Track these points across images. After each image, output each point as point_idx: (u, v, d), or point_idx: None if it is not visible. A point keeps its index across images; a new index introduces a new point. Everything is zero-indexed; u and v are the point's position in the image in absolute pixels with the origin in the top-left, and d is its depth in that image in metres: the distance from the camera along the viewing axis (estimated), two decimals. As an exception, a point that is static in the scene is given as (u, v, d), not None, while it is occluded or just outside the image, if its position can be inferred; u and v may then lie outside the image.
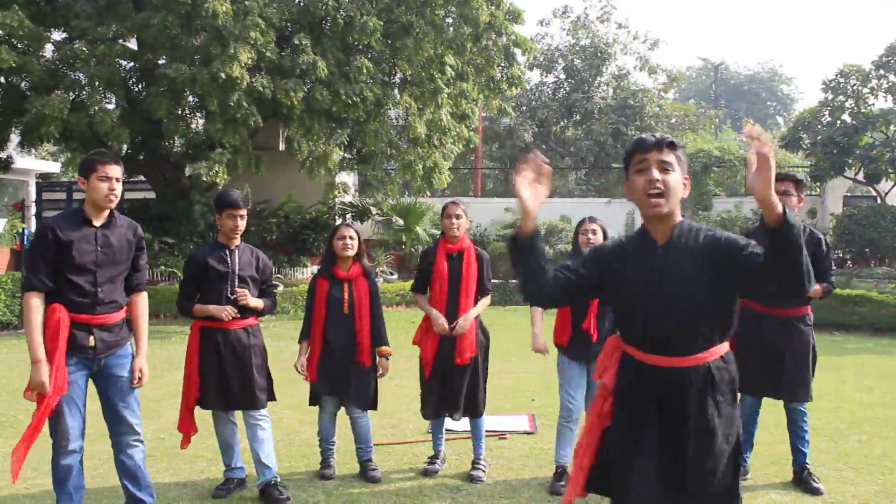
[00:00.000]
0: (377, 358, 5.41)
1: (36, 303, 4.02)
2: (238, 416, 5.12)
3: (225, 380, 4.90)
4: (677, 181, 2.73)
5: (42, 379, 3.98)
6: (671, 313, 2.72)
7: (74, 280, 4.06)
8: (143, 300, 4.42)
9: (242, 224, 5.05)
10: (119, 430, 4.28)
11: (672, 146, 2.74)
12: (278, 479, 4.94)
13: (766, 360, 5.15)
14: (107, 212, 4.21)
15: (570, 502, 2.95)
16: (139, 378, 4.28)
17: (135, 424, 4.29)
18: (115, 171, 4.15)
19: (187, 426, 5.02)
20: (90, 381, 4.25)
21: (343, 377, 5.27)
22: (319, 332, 5.32)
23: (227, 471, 5.10)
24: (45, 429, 4.16)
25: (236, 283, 4.98)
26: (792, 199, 5.21)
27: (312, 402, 5.49)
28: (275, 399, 5.16)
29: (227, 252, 5.03)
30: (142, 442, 4.37)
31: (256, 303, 5.01)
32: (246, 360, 4.95)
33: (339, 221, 19.52)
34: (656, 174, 2.70)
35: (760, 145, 2.41)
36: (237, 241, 5.10)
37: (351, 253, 5.36)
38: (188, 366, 4.97)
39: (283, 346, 10.73)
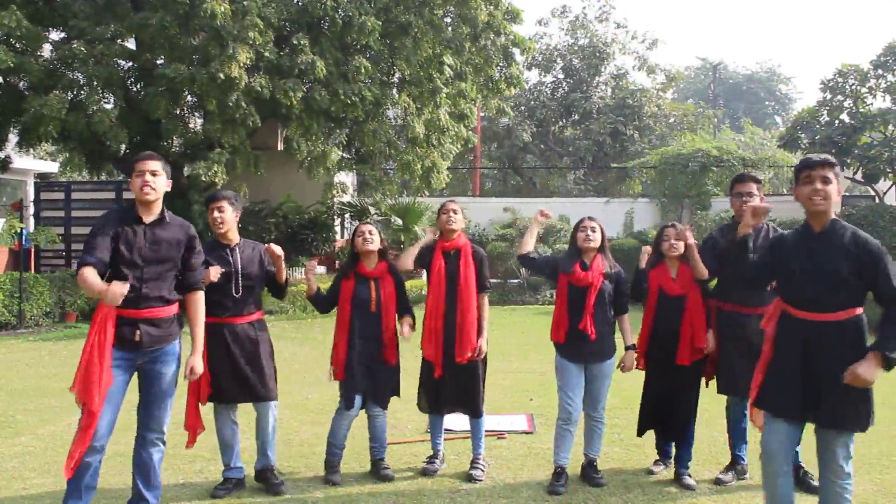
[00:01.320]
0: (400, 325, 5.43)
1: (89, 271, 4.05)
2: (239, 415, 5.14)
3: (238, 373, 4.97)
4: (832, 190, 3.85)
5: (113, 290, 3.95)
6: (818, 282, 3.85)
7: (123, 274, 4.14)
8: (198, 299, 4.51)
9: (222, 216, 5.03)
10: (148, 425, 4.34)
11: (831, 165, 3.86)
12: (275, 466, 5.11)
13: (750, 360, 5.16)
14: (156, 209, 4.30)
15: (757, 419, 4.09)
16: (190, 375, 4.43)
17: (163, 422, 4.36)
18: (149, 165, 4.24)
19: (194, 424, 5.03)
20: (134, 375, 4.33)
21: (368, 375, 5.29)
22: (345, 332, 5.31)
23: (225, 470, 5.11)
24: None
25: (240, 282, 5.00)
26: (755, 199, 5.27)
27: (348, 405, 5.29)
28: (275, 398, 5.19)
29: (228, 251, 5.05)
30: (164, 443, 4.41)
31: (279, 256, 5.12)
32: (256, 352, 5.03)
33: (337, 221, 19.53)
34: (819, 185, 3.83)
35: None
36: (236, 239, 5.12)
37: (372, 247, 5.37)
38: None
39: (282, 346, 10.71)
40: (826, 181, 3.84)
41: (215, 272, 4.86)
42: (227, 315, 5.01)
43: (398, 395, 5.48)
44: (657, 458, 5.55)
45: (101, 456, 4.20)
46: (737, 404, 5.40)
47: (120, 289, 3.97)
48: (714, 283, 5.51)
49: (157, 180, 4.25)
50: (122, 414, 4.30)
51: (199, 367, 4.46)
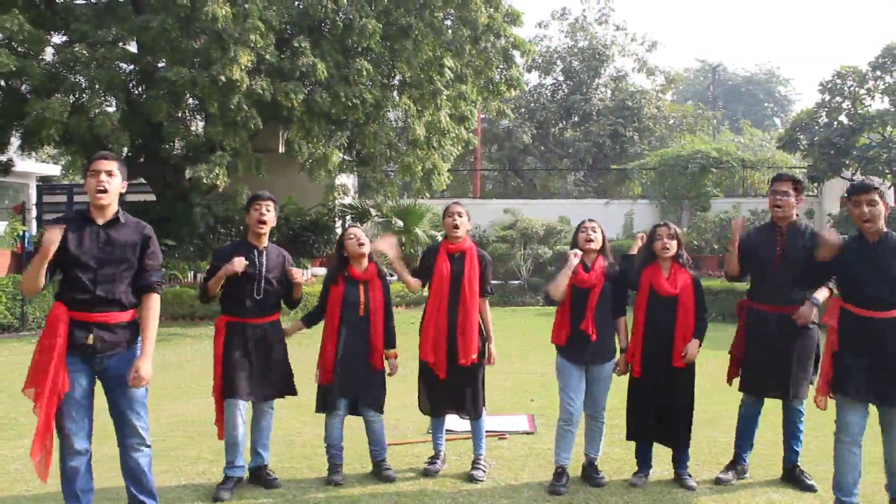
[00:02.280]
0: (387, 360, 5.41)
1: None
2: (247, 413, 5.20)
3: (252, 372, 5.03)
4: (879, 210, 4.54)
5: (45, 239, 3.93)
6: (878, 284, 4.53)
7: (75, 276, 4.06)
8: (151, 301, 4.26)
9: (268, 216, 5.14)
10: (124, 432, 4.24)
11: (874, 189, 4.55)
12: (268, 464, 5.23)
13: (774, 359, 5.17)
14: (111, 211, 4.19)
15: (822, 403, 4.74)
16: (134, 378, 4.08)
17: (140, 429, 4.24)
18: (103, 165, 4.12)
19: (221, 420, 5.10)
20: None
21: (356, 380, 5.27)
22: (333, 335, 5.30)
23: (228, 468, 5.08)
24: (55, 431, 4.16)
25: (262, 285, 5.05)
26: (790, 199, 5.25)
27: (320, 408, 5.39)
28: (296, 393, 5.38)
29: (256, 252, 5.12)
30: (148, 447, 4.32)
31: (300, 280, 5.18)
32: (270, 354, 5.12)
33: (338, 223, 19.54)
34: (866, 210, 4.54)
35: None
36: (265, 242, 5.18)
37: (365, 250, 5.36)
38: (216, 360, 5.08)
39: (283, 347, 10.68)
40: (872, 203, 4.54)
41: (240, 262, 4.94)
42: (247, 315, 5.08)
43: (382, 407, 5.44)
44: (637, 469, 5.41)
45: (86, 458, 4.17)
46: (752, 404, 5.39)
47: (54, 235, 3.92)
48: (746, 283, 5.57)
49: (112, 181, 4.12)
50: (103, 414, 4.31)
51: (145, 371, 4.11)
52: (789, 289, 5.16)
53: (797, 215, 5.37)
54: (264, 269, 5.11)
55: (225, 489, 4.98)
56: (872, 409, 4.67)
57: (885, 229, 4.62)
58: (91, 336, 4.07)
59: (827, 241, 4.73)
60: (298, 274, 5.18)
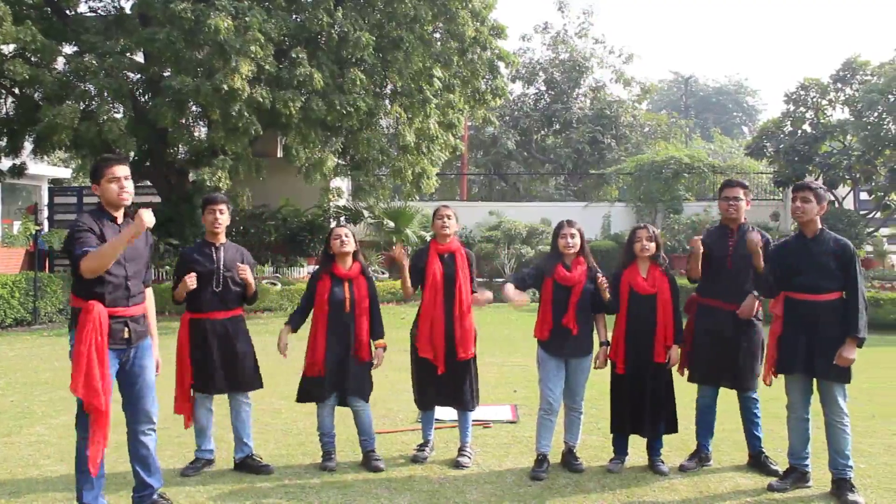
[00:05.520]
0: (373, 350, 5.36)
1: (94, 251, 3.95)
2: (215, 402, 5.28)
3: (215, 364, 5.06)
4: (811, 206, 4.82)
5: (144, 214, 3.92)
6: (814, 272, 4.78)
7: (110, 273, 4.04)
8: (150, 294, 4.47)
9: (222, 218, 5.16)
10: (138, 418, 4.29)
11: (808, 188, 4.86)
12: (254, 452, 5.25)
13: (723, 351, 5.21)
14: (122, 211, 4.23)
15: (769, 380, 4.99)
16: (158, 366, 4.38)
17: (152, 413, 4.33)
18: (122, 170, 4.14)
19: (183, 409, 5.15)
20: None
21: (343, 372, 5.23)
22: (323, 330, 5.24)
23: (197, 451, 5.22)
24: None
25: (221, 279, 5.07)
26: (741, 202, 5.31)
27: (302, 398, 5.34)
28: (262, 386, 5.36)
29: (213, 249, 5.14)
30: (155, 431, 4.39)
31: (249, 278, 5.17)
32: (233, 346, 5.13)
33: (333, 224, 19.52)
34: (799, 204, 4.86)
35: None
36: (222, 239, 5.19)
37: (348, 249, 5.30)
38: (180, 354, 5.11)
39: (281, 340, 10.66)
40: (805, 200, 4.84)
41: (191, 280, 4.96)
42: (207, 310, 5.09)
43: (367, 397, 5.39)
44: (613, 455, 5.40)
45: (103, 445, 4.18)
46: (707, 395, 5.40)
47: (149, 215, 3.93)
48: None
49: (129, 184, 4.18)
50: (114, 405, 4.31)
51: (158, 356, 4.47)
52: (739, 286, 5.21)
53: (745, 218, 5.42)
54: (222, 264, 5.11)
55: (192, 468, 5.12)
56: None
57: (820, 226, 4.86)
58: (128, 330, 4.14)
59: (751, 243, 4.97)
60: (245, 270, 5.15)
